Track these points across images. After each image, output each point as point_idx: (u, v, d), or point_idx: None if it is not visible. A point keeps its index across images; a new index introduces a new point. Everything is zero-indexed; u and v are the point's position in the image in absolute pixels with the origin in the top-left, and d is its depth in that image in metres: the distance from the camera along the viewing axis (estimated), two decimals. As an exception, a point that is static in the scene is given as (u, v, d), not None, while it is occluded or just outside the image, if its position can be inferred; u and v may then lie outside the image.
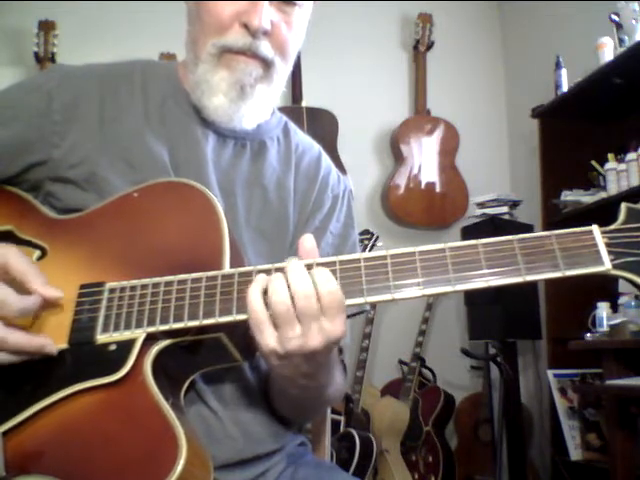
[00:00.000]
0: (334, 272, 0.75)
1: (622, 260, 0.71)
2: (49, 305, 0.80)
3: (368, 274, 0.74)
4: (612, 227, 0.73)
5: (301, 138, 1.12)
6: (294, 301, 0.72)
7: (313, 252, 0.78)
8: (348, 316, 1.01)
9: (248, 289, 0.74)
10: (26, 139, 0.94)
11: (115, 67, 1.03)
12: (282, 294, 0.72)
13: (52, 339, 0.78)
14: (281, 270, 0.75)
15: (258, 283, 0.74)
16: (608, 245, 0.72)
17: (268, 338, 0.73)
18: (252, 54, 0.95)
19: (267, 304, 0.73)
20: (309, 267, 0.74)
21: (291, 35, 0.98)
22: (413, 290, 0.73)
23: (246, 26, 0.93)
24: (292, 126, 1.12)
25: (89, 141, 0.95)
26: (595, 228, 0.73)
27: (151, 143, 0.96)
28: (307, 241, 0.78)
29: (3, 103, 0.98)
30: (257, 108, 0.99)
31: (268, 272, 0.77)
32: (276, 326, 0.73)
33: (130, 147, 0.95)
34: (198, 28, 0.98)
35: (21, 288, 0.78)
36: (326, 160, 1.12)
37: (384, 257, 0.75)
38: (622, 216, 0.74)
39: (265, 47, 0.95)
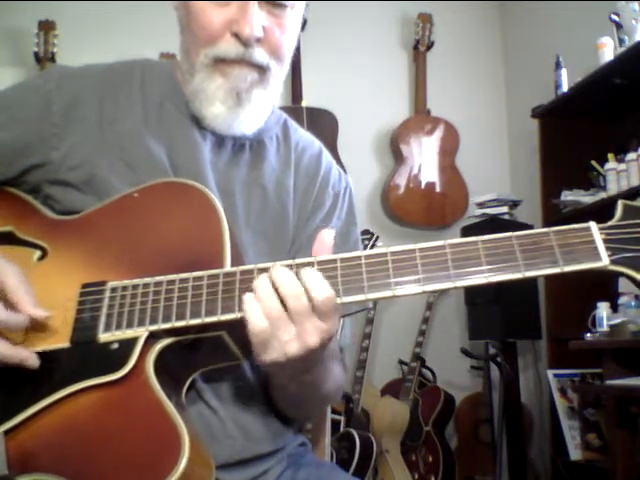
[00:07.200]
0: (335, 269, 0.75)
1: (620, 256, 0.71)
2: (38, 322, 0.80)
3: (369, 271, 0.75)
4: (610, 223, 0.74)
5: (301, 135, 1.11)
6: (285, 303, 0.73)
7: (328, 248, 0.79)
8: (350, 314, 1.01)
9: (245, 307, 0.74)
10: (25, 141, 0.94)
11: (114, 67, 1.03)
12: (271, 298, 0.73)
13: (44, 344, 0.80)
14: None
15: (253, 301, 0.74)
16: (606, 241, 0.72)
17: (273, 352, 0.75)
18: (246, 63, 0.93)
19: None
20: (298, 269, 0.75)
21: (285, 38, 0.95)
22: (413, 286, 0.74)
23: (237, 35, 0.91)
24: (292, 123, 1.11)
25: (88, 143, 0.94)
26: (593, 225, 0.74)
27: (150, 144, 0.95)
28: (326, 236, 0.80)
29: (1, 105, 0.97)
30: (255, 113, 0.97)
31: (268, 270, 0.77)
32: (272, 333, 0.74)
33: (129, 148, 0.95)
34: (189, 38, 0.96)
35: (12, 306, 0.78)
36: (327, 157, 1.11)
37: (384, 254, 0.76)
38: (619, 213, 0.75)
39: (259, 54, 0.93)
